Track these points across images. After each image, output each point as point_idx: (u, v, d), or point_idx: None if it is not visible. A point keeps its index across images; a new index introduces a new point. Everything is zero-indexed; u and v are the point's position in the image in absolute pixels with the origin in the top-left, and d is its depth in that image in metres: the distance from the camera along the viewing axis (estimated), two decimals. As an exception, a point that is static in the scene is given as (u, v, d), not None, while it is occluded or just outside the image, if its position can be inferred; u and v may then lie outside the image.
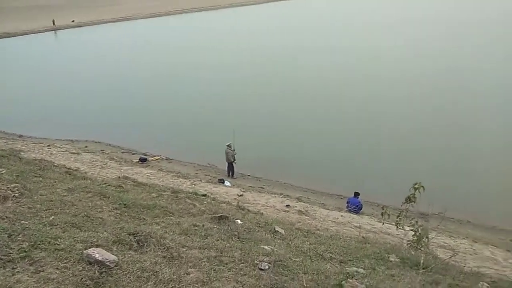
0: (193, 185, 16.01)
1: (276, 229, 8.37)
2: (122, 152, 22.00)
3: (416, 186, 7.67)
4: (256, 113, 26.27)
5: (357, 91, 29.42)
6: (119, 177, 12.67)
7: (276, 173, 18.90)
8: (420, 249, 7.61)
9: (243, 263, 5.25)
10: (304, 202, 15.66)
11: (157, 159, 20.77)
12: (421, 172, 15.06)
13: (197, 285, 4.23)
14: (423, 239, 7.78)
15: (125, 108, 29.31)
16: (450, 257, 7.59)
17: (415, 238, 7.73)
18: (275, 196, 16.21)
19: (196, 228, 6.56)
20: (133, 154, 21.59)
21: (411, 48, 42.45)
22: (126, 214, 6.85)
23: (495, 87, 27.84)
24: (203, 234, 6.22)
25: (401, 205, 7.80)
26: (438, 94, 27.41)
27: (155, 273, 4.21)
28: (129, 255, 4.56)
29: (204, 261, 5.03)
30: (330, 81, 32.74)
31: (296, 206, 14.82)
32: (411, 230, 7.84)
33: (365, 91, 29.15)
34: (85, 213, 6.11)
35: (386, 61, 37.97)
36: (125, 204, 7.24)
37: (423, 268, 6.90)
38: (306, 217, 13.52)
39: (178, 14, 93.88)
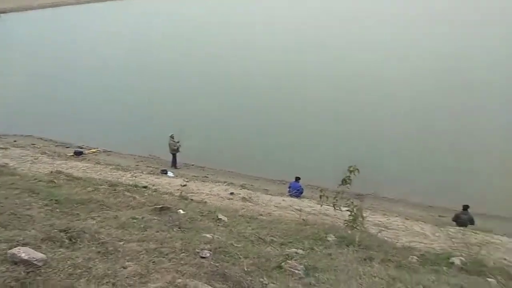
0: (134, 178, 15.51)
1: (219, 217, 8.38)
2: (56, 146, 20.73)
3: (351, 169, 8.08)
4: (198, 104, 25.90)
5: (290, 82, 29.92)
6: (51, 172, 11.94)
7: (220, 161, 18.90)
8: (355, 227, 8.04)
9: (184, 252, 5.19)
10: (248, 189, 15.83)
11: (94, 152, 19.83)
12: (356, 156, 15.77)
13: (134, 278, 4.11)
14: (359, 218, 8.22)
15: (56, 99, 27.48)
16: (377, 233, 8.05)
17: (351, 217, 8.16)
18: (219, 185, 16.21)
19: (134, 221, 6.36)
20: (67, 147, 20.42)
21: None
22: (57, 210, 6.46)
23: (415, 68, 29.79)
24: (142, 226, 6.05)
25: (338, 187, 8.19)
26: (369, 76, 28.81)
27: (88, 269, 4.03)
28: (60, 252, 4.32)
29: (142, 254, 4.90)
30: (265, 74, 32.80)
31: (240, 193, 14.93)
32: (348, 210, 8.25)
33: (296, 81, 29.78)
34: (12, 211, 5.68)
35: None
36: (56, 200, 6.84)
37: (359, 246, 7.31)
38: (250, 204, 13.69)
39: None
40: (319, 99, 25.58)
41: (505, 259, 9.89)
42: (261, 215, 11.06)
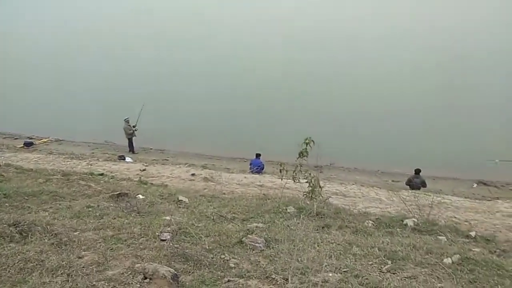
0: (89, 166, 15.01)
1: (180, 199, 8.35)
2: (3, 138, 19.60)
3: (307, 141, 8.20)
4: (154, 85, 25.20)
5: (248, 62, 29.60)
6: (-1, 166, 11.30)
7: (180, 143, 18.67)
8: (314, 198, 8.27)
9: (143, 237, 5.14)
10: (209, 169, 15.77)
11: (45, 141, 18.94)
12: (314, 130, 15.99)
13: (91, 267, 4.04)
14: (317, 189, 8.44)
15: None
16: (325, 199, 8.31)
17: (310, 188, 8.37)
18: (180, 167, 16.03)
19: (90, 209, 6.21)
20: (15, 139, 19.38)
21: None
22: (7, 204, 6.18)
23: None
24: (98, 214, 5.92)
25: (296, 160, 8.31)
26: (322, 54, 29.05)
27: (40, 262, 3.91)
28: (10, 247, 4.15)
29: (99, 242, 4.81)
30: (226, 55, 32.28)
31: (201, 174, 14.86)
32: (306, 182, 8.43)
33: (254, 61, 29.53)
34: (-47, 210, 5.38)
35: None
36: (5, 194, 6.53)
37: (317, 215, 7.56)
38: (212, 183, 13.67)
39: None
40: (274, 78, 25.59)
41: (455, 217, 10.55)
42: (223, 193, 11.11)
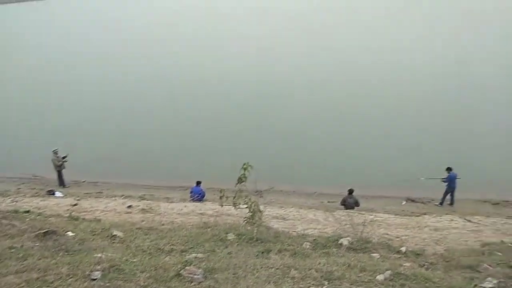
0: (14, 203, 13.84)
1: (114, 233, 7.97)
2: None
3: (245, 166, 8.28)
4: (84, 115, 24.21)
5: (178, 87, 29.72)
6: None
7: (115, 174, 17.92)
8: (254, 223, 8.32)
9: (72, 277, 4.83)
10: (147, 200, 15.25)
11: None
12: (252, 155, 16.28)
13: (11, 315, 3.70)
14: (257, 214, 8.51)
15: None
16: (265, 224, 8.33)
17: (250, 214, 8.42)
18: (116, 199, 15.34)
19: (12, 250, 5.72)
20: None
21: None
22: None
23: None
24: (21, 256, 5.47)
25: (235, 186, 8.34)
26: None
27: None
28: None
29: (22, 286, 4.44)
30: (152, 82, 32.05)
31: (139, 205, 14.32)
32: (247, 207, 8.48)
33: (185, 84, 29.70)
34: None
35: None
36: None
37: (257, 240, 7.61)
38: (151, 214, 13.21)
39: None
40: (210, 104, 25.84)
41: (387, 234, 11.13)
42: (162, 224, 10.77)
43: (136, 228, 8.85)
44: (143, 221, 11.61)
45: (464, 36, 38.12)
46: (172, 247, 6.92)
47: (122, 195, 15.78)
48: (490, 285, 5.98)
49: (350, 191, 13.69)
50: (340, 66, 32.42)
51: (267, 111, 24.21)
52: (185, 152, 19.70)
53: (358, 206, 13.53)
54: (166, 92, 28.41)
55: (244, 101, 25.92)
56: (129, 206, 14.12)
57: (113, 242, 7.28)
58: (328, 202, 14.90)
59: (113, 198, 15.37)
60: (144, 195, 16.04)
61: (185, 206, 13.97)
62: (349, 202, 13.51)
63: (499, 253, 8.68)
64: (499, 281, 6.10)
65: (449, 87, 26.29)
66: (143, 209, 13.78)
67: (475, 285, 5.97)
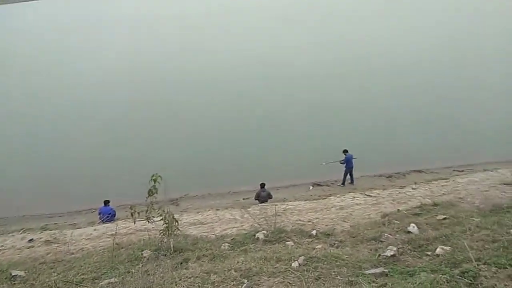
0: None
1: (13, 274, 7.21)
2: None
3: (154, 177, 8.04)
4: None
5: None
6: None
7: (6, 207, 16.07)
8: (171, 234, 8.16)
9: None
10: (51, 230, 13.99)
11: None
12: (158, 164, 15.94)
13: None
14: (173, 224, 8.36)
15: None
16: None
17: (165, 225, 8.23)
18: (13, 235, 13.77)
19: None
20: None
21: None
22: None
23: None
24: None
25: (146, 200, 8.06)
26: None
27: None
28: None
29: None
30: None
31: (41, 238, 13.05)
32: (161, 219, 8.26)
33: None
34: None
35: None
36: None
37: (175, 251, 7.49)
38: (56, 245, 12.16)
39: None
40: (105, 117, 24.63)
41: (300, 220, 11.74)
42: (72, 253, 10.03)
43: (40, 264, 8.11)
44: (48, 253, 10.67)
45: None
46: (82, 276, 6.50)
47: (22, 229, 14.24)
48: (391, 253, 6.68)
49: (262, 185, 14.15)
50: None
51: (171, 117, 23.82)
52: (87, 172, 18.44)
53: (271, 198, 14.05)
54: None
55: (147, 108, 25.21)
56: (30, 240, 12.79)
57: (14, 284, 6.58)
58: (243, 199, 15.21)
59: (10, 234, 13.78)
60: (47, 225, 14.74)
61: (95, 230, 13.09)
62: (263, 196, 13.96)
63: (397, 221, 9.74)
64: (397, 248, 6.86)
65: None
66: (47, 241, 12.60)
67: (379, 255, 6.62)
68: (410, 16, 52.83)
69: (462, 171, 16.21)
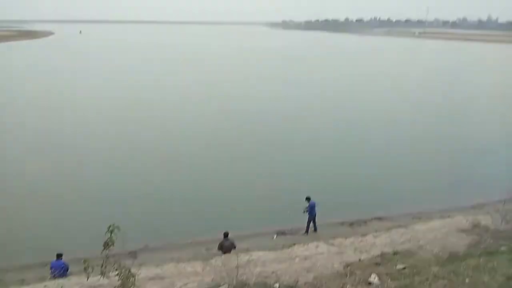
0: None
1: None
2: None
3: (111, 228, 7.63)
4: None
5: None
6: None
7: None
8: (127, 291, 7.71)
9: None
10: (-6, 288, 12.86)
11: None
12: (115, 215, 15.29)
13: None
14: (129, 280, 7.91)
15: None
16: None
17: (120, 282, 7.78)
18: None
19: None
20: None
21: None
22: None
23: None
24: None
25: (101, 253, 7.60)
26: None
27: None
28: None
29: None
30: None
31: (-17, 297, 11.98)
32: (116, 275, 7.81)
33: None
34: None
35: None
36: None
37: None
38: (0, 306, 11.18)
39: None
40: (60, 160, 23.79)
41: (264, 271, 11.52)
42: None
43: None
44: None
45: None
46: None
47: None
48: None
49: (225, 234, 13.84)
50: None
51: (126, 165, 23.34)
52: (38, 220, 17.37)
53: (235, 248, 13.71)
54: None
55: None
56: (-30, 301, 11.69)
57: None
58: (206, 249, 14.77)
59: None
60: (-10, 282, 13.47)
61: (45, 286, 12.19)
62: (226, 246, 13.61)
63: (359, 271, 9.78)
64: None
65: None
66: (-11, 301, 11.56)
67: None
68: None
69: (421, 218, 16.73)
